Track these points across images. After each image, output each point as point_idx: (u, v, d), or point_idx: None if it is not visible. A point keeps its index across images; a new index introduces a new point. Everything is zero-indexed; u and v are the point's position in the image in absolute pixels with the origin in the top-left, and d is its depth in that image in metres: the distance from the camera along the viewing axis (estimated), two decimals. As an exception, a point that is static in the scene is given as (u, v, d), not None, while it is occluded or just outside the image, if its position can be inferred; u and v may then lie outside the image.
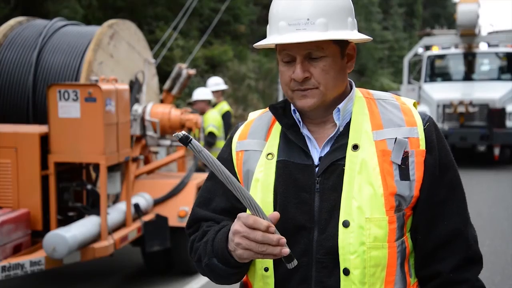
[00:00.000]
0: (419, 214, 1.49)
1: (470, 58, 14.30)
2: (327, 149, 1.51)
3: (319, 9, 1.43)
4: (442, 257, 1.50)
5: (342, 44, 1.49)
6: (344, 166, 1.46)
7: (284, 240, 1.36)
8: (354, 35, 1.49)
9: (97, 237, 4.59)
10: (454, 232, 1.50)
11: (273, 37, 1.47)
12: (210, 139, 7.44)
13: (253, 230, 1.37)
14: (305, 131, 1.54)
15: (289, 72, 1.47)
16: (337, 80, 1.49)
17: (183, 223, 5.45)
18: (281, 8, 1.46)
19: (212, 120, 7.54)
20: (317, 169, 1.49)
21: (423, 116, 1.53)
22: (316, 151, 1.52)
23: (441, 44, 14.87)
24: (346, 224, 1.43)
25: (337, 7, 1.46)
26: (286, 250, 1.37)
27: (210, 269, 1.52)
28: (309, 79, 1.46)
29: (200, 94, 7.82)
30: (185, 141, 1.31)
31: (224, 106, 8.23)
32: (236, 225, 1.41)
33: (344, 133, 1.51)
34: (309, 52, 1.45)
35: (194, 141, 1.31)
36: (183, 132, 1.32)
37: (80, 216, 4.80)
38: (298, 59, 1.45)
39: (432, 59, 14.52)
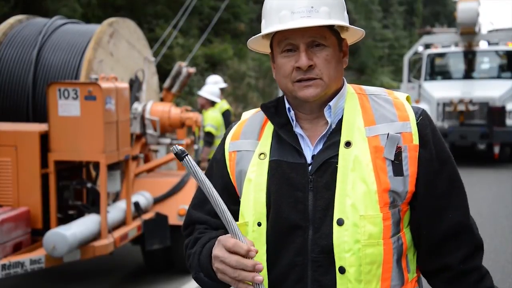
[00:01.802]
0: (421, 209, 1.49)
1: (470, 57, 14.30)
2: (319, 147, 1.51)
3: None
4: (449, 250, 1.50)
5: (339, 37, 1.52)
6: (337, 164, 1.46)
7: (261, 266, 1.36)
8: (354, 27, 1.52)
9: (97, 236, 4.58)
10: (459, 224, 1.50)
11: (276, 26, 1.46)
12: (207, 139, 7.45)
13: (230, 254, 1.37)
14: (298, 130, 1.53)
15: (291, 62, 1.47)
16: (337, 72, 1.50)
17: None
18: (280, 0, 1.47)
19: (211, 119, 7.54)
20: (310, 167, 1.48)
21: (416, 110, 1.52)
22: (309, 149, 1.52)
23: (441, 42, 14.87)
24: (340, 222, 1.42)
25: (338, 0, 1.51)
26: (259, 278, 1.36)
27: (198, 281, 1.55)
28: (312, 68, 1.46)
29: (207, 92, 7.83)
30: (180, 155, 1.35)
31: (224, 105, 8.23)
32: (216, 250, 1.42)
33: (336, 130, 1.50)
34: (313, 40, 1.46)
35: (189, 156, 1.36)
36: (180, 147, 1.35)
37: (80, 214, 4.80)
38: (302, 47, 1.45)
39: (432, 58, 14.51)
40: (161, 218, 5.42)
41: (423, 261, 1.53)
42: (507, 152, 13.26)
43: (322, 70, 1.46)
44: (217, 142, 7.51)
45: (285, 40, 1.47)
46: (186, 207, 5.52)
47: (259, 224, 1.50)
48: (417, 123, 1.49)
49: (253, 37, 1.55)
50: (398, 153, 1.45)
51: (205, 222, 1.61)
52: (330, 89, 1.49)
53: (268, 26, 1.50)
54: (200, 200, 1.64)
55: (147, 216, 5.39)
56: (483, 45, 14.55)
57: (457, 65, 14.61)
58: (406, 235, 1.50)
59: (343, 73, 1.55)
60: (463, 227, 1.51)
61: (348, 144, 1.47)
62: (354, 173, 1.44)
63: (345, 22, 1.50)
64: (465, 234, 1.51)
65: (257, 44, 1.60)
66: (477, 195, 8.98)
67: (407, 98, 1.57)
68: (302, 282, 1.46)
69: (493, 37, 15.00)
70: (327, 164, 1.47)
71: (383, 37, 32.39)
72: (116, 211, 4.96)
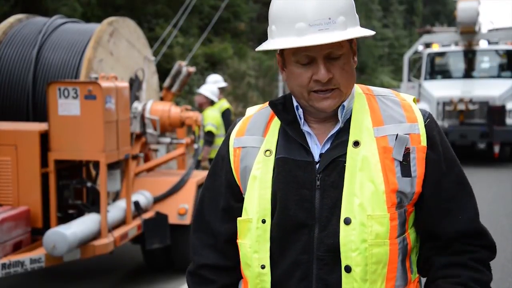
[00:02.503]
0: (428, 210, 1.50)
1: (470, 56, 14.30)
2: (327, 145, 1.51)
3: (338, 7, 1.42)
4: (457, 250, 1.51)
5: (351, 40, 1.49)
6: (345, 163, 1.46)
7: None
8: (367, 31, 1.49)
9: (97, 235, 4.58)
10: (469, 226, 1.51)
11: (293, 40, 1.41)
12: (208, 138, 7.46)
13: None
14: (305, 128, 1.53)
15: (308, 74, 1.44)
16: (352, 77, 1.49)
17: (183, 221, 5.45)
18: (296, 9, 1.41)
19: (211, 119, 7.55)
20: (317, 165, 1.48)
21: (424, 112, 1.53)
22: (317, 148, 1.52)
23: (441, 41, 14.85)
24: (347, 222, 1.42)
25: (351, 3, 1.47)
26: None
27: None
28: (331, 79, 1.44)
29: (206, 90, 7.84)
30: None
31: (224, 104, 8.23)
32: None
33: (345, 130, 1.50)
34: (330, 52, 1.43)
35: None
36: None
37: (80, 213, 4.80)
38: (320, 60, 1.43)
39: (432, 57, 14.50)
40: (161, 217, 5.42)
41: (428, 259, 1.54)
42: (507, 152, 13.26)
43: (340, 80, 1.45)
44: (218, 141, 7.51)
45: (302, 52, 1.43)
46: (186, 206, 5.52)
47: (264, 221, 1.50)
48: (425, 125, 1.49)
49: (269, 48, 1.47)
50: (406, 154, 1.46)
51: (215, 233, 1.62)
52: (346, 96, 1.49)
53: (283, 36, 1.44)
54: (209, 198, 1.65)
55: (147, 215, 5.39)
56: (483, 44, 14.53)
57: (457, 64, 14.60)
58: (410, 236, 1.51)
59: (355, 74, 1.53)
60: (474, 229, 1.51)
61: (356, 143, 1.47)
62: (362, 172, 1.44)
63: (360, 29, 1.47)
64: (477, 237, 1.52)
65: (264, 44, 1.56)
66: (477, 194, 8.86)
67: (414, 100, 1.57)
68: (307, 280, 1.46)
69: (493, 36, 14.98)
70: (335, 163, 1.47)
71: (383, 36, 32.37)
72: (116, 210, 4.96)
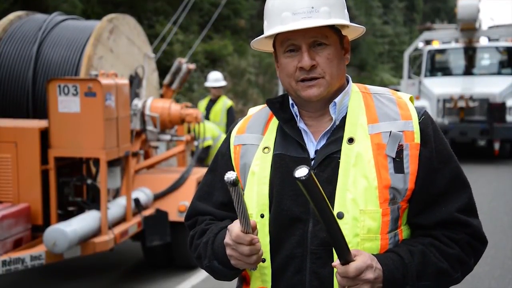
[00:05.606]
0: (416, 204, 1.50)
1: (470, 53, 14.28)
2: (323, 142, 1.54)
3: None
4: (439, 233, 1.52)
5: (340, 35, 1.55)
6: (340, 159, 1.48)
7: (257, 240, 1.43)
8: (354, 24, 1.55)
9: (97, 232, 4.59)
10: (451, 217, 1.50)
11: (278, 28, 1.49)
12: (203, 155, 7.11)
13: (239, 244, 1.42)
14: (301, 125, 1.56)
15: (294, 62, 1.50)
16: (339, 70, 1.52)
17: (183, 218, 5.45)
18: (284, 2, 1.49)
19: (211, 133, 7.35)
20: (312, 162, 1.51)
21: (419, 110, 1.55)
22: (312, 145, 1.55)
23: (441, 38, 14.84)
24: (340, 216, 1.45)
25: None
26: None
27: (211, 270, 1.58)
28: (315, 68, 1.49)
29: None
30: (233, 183, 1.34)
31: (227, 101, 8.23)
32: (227, 238, 1.47)
33: (340, 127, 1.53)
34: (314, 40, 1.48)
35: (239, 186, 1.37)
36: (234, 175, 1.33)
37: (80, 210, 4.80)
38: (304, 47, 1.48)
39: (433, 54, 14.49)
40: (161, 215, 5.42)
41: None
42: (507, 149, 13.26)
43: (325, 69, 1.49)
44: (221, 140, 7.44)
45: (287, 40, 1.50)
46: (186, 203, 5.53)
47: (262, 216, 1.53)
48: (419, 123, 1.51)
49: (256, 38, 1.58)
50: (400, 151, 1.48)
51: (210, 214, 1.65)
52: (332, 87, 1.52)
53: (270, 27, 1.52)
54: (205, 192, 1.68)
55: (147, 212, 5.39)
56: (483, 41, 14.51)
57: (458, 61, 14.59)
58: (403, 232, 1.52)
59: (345, 70, 1.57)
60: (455, 219, 1.50)
61: (351, 140, 1.49)
62: (355, 168, 1.46)
63: (345, 20, 1.52)
64: (459, 226, 1.51)
65: (261, 44, 1.63)
66: (477, 191, 8.94)
67: (411, 99, 1.60)
68: (300, 274, 1.49)
69: (494, 33, 14.96)
70: (330, 159, 1.50)
71: (383, 33, 32.30)
72: (116, 207, 4.96)
